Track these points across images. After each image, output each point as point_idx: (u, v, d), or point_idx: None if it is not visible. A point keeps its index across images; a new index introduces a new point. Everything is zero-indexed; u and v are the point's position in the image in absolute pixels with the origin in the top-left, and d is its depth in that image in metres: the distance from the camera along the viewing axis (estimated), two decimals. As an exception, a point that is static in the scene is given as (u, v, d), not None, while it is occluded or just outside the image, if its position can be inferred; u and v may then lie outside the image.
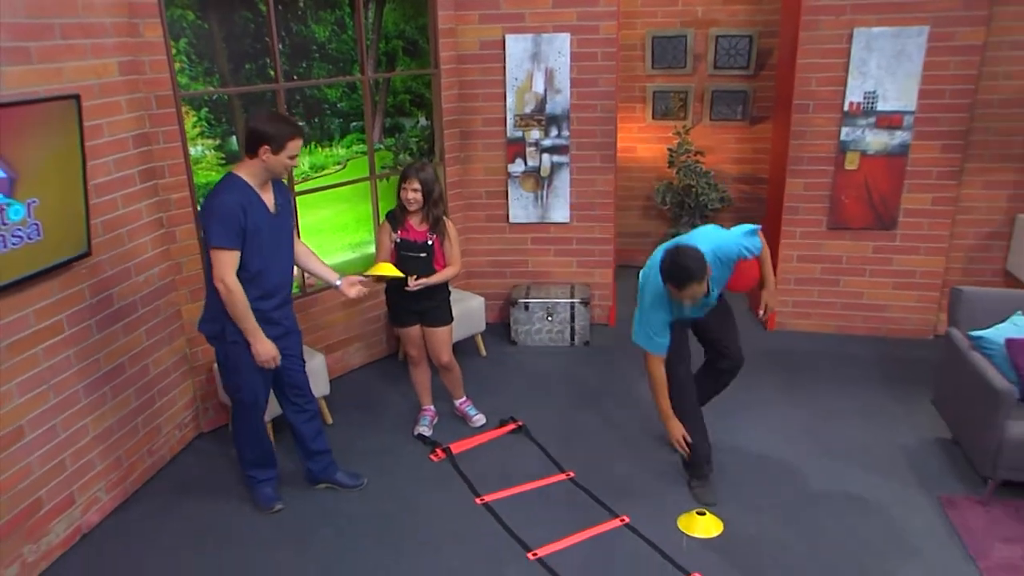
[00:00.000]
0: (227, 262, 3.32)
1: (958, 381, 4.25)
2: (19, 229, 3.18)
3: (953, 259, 5.75)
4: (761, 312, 4.12)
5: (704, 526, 3.81)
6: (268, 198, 3.47)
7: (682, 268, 3.47)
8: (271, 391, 3.82)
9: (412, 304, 4.32)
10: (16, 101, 3.10)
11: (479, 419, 4.76)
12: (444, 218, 4.30)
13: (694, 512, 3.90)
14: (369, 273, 4.13)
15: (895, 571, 3.57)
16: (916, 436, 4.59)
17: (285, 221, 3.62)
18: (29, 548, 3.41)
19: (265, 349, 3.51)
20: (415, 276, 4.20)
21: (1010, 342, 3.94)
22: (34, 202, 3.24)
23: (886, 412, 4.86)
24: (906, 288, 5.77)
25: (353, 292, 3.83)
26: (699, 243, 3.62)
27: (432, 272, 4.27)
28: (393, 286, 4.29)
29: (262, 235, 3.44)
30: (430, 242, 4.23)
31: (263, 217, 3.43)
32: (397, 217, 4.27)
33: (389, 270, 4.13)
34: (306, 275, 4.90)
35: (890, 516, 3.91)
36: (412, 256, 4.23)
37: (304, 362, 3.93)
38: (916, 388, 5.04)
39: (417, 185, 4.15)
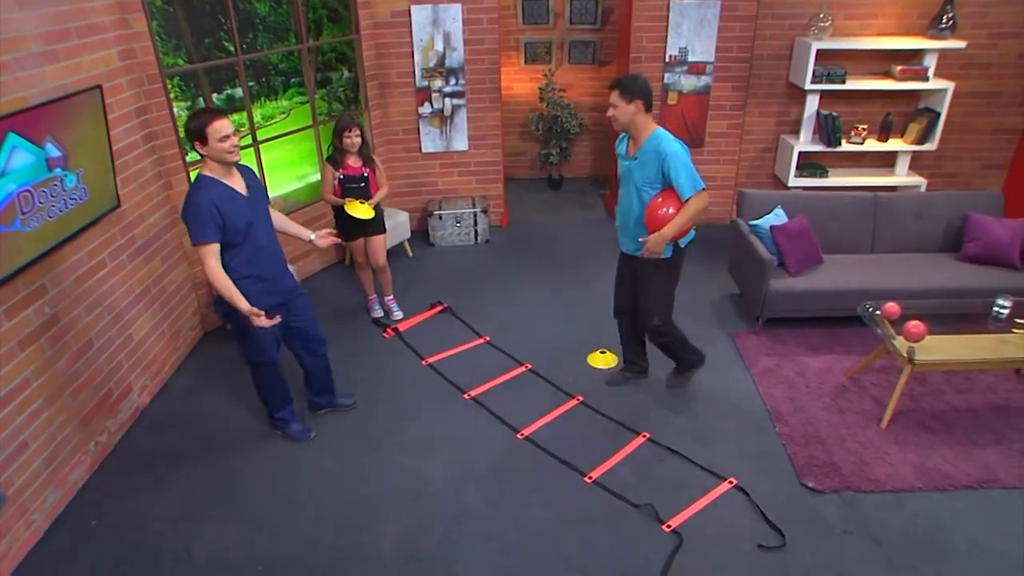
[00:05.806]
0: (210, 254, 3.11)
1: (742, 254, 4.82)
2: (74, 193, 3.40)
3: (741, 167, 6.34)
4: (641, 239, 3.57)
5: (605, 360, 4.43)
6: (238, 184, 3.21)
7: (633, 77, 3.35)
8: (282, 344, 3.65)
9: (357, 221, 4.54)
10: (61, 96, 3.27)
11: (399, 315, 4.99)
12: (371, 154, 4.62)
13: (597, 352, 4.46)
14: (350, 211, 4.38)
15: (707, 380, 4.19)
16: (719, 292, 5.19)
17: (259, 200, 3.34)
18: (110, 422, 3.83)
19: (249, 312, 3.20)
20: (360, 200, 4.47)
21: (772, 228, 4.58)
22: (80, 171, 3.43)
23: (701, 277, 5.39)
24: (711, 188, 6.08)
25: (324, 243, 3.66)
26: (663, 136, 3.40)
27: (370, 195, 4.57)
28: (343, 211, 4.47)
29: (242, 218, 3.17)
30: (365, 173, 4.55)
31: (238, 202, 3.17)
32: (336, 159, 4.49)
33: (359, 210, 4.40)
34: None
35: (702, 346, 4.26)
36: (354, 187, 4.51)
37: (315, 315, 3.73)
38: (719, 259, 5.57)
39: (358, 132, 4.44)
